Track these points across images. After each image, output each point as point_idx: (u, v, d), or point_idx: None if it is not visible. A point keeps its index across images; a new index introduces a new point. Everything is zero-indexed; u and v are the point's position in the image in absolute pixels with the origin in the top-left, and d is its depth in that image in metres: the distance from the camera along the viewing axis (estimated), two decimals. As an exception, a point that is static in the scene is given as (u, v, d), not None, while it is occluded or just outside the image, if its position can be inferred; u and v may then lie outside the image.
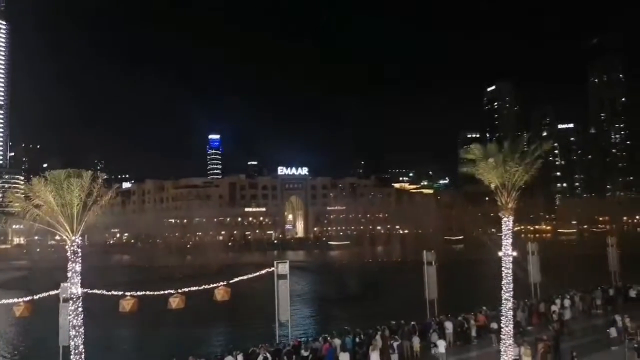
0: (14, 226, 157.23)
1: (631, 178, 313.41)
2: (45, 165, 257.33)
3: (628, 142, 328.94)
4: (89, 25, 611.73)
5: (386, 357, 24.26)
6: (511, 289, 21.17)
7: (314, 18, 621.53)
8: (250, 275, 41.84)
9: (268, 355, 23.37)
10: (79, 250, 17.05)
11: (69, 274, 17.02)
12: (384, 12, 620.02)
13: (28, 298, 26.80)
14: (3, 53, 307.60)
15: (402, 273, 72.96)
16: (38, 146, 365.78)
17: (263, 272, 34.33)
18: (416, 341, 26.38)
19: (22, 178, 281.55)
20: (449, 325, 28.28)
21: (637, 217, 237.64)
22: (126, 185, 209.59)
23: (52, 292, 25.83)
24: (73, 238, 16.87)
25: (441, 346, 25.54)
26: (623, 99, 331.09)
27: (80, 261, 17.11)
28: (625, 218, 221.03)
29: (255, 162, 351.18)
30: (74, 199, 16.64)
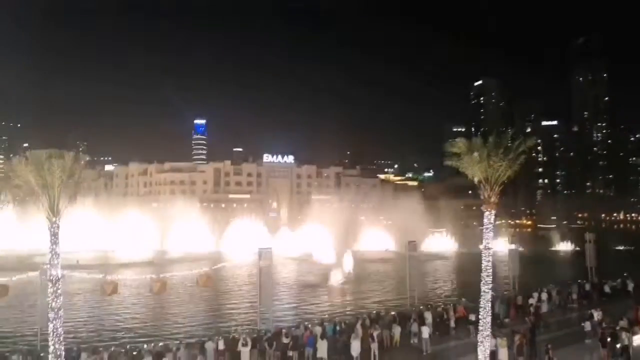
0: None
1: (611, 176, 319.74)
2: (25, 144, 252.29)
3: (609, 141, 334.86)
4: (72, 3, 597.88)
5: (366, 346, 24.53)
6: (490, 282, 21.49)
7: (302, 7, 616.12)
8: (233, 262, 41.82)
9: (248, 340, 23.46)
10: (59, 231, 16.83)
11: (49, 256, 16.82)
12: (370, 6, 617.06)
13: (6, 279, 26.42)
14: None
15: (385, 263, 73.63)
16: (19, 125, 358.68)
17: (246, 258, 34.35)
18: (397, 330, 26.71)
19: (1, 157, 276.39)
20: (428, 316, 28.67)
21: (615, 214, 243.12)
22: (109, 167, 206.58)
23: (31, 273, 25.53)
24: (54, 219, 16.64)
25: (425, 332, 26.23)
26: (606, 98, 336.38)
27: (59, 242, 16.90)
28: (603, 215, 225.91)
29: (240, 149, 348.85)
30: (55, 180, 16.37)
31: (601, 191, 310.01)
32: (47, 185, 16.43)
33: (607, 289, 39.04)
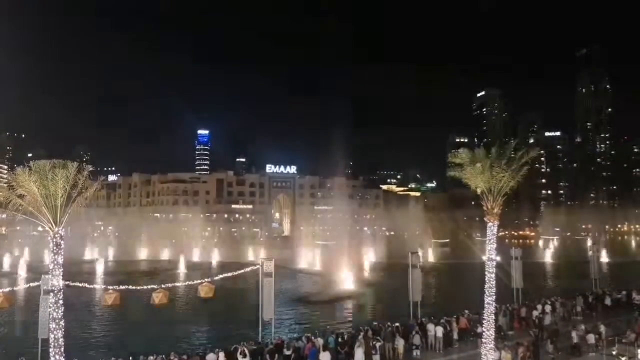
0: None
1: (614, 187, 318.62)
2: (29, 154, 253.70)
3: (612, 152, 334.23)
4: (78, 13, 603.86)
5: (368, 357, 24.34)
6: (494, 293, 21.36)
7: (307, 20, 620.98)
8: (235, 273, 41.73)
9: (247, 352, 23.32)
10: (62, 242, 16.82)
11: (51, 266, 16.80)
12: (376, 13, 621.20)
13: (8, 289, 26.40)
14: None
15: (387, 275, 73.26)
16: (23, 135, 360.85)
17: (248, 269, 34.24)
18: (400, 343, 26.43)
19: (5, 167, 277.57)
20: (431, 328, 28.45)
21: (619, 225, 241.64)
22: (112, 178, 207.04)
23: (32, 284, 25.50)
24: (56, 230, 16.63)
25: (439, 331, 27.33)
26: (609, 109, 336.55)
27: (62, 253, 16.90)
28: (607, 227, 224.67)
29: (243, 159, 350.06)
30: (58, 190, 16.39)
31: (605, 202, 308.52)
32: (50, 195, 16.45)
33: (607, 301, 38.56)
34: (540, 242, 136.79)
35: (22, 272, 73.48)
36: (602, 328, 27.98)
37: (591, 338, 27.19)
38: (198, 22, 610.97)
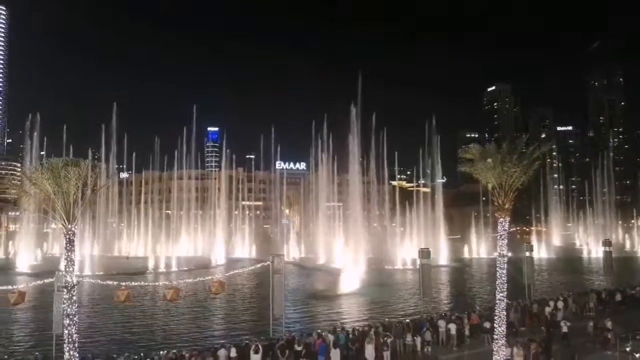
0: (9, 213, 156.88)
1: (627, 182, 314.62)
2: (42, 152, 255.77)
3: (626, 147, 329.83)
4: (88, 14, 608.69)
5: (379, 353, 24.35)
6: (505, 289, 21.23)
7: (317, 23, 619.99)
8: (246, 269, 41.89)
9: (260, 347, 23.43)
10: (75, 238, 17.00)
11: (64, 262, 16.99)
12: (384, 15, 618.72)
13: (22, 285, 26.76)
14: (2, 39, 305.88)
15: (399, 271, 73.25)
16: (35, 133, 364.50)
17: (258, 266, 34.39)
18: (418, 340, 26.30)
19: (19, 165, 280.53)
20: (442, 324, 28.38)
21: (632, 221, 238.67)
22: (123, 175, 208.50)
23: (47, 280, 25.83)
24: (69, 227, 16.81)
25: (453, 329, 27.25)
26: (622, 103, 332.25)
27: (75, 249, 17.08)
28: (620, 222, 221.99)
29: (253, 156, 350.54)
30: (71, 188, 16.57)
31: (617, 197, 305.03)
32: (63, 193, 16.63)
33: (618, 297, 38.12)
34: (552, 238, 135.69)
35: (36, 268, 74.51)
36: (609, 324, 27.69)
37: (608, 335, 26.95)
38: (208, 21, 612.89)
